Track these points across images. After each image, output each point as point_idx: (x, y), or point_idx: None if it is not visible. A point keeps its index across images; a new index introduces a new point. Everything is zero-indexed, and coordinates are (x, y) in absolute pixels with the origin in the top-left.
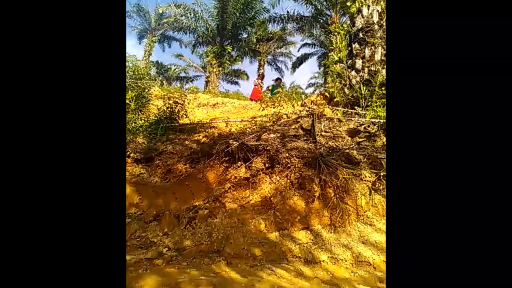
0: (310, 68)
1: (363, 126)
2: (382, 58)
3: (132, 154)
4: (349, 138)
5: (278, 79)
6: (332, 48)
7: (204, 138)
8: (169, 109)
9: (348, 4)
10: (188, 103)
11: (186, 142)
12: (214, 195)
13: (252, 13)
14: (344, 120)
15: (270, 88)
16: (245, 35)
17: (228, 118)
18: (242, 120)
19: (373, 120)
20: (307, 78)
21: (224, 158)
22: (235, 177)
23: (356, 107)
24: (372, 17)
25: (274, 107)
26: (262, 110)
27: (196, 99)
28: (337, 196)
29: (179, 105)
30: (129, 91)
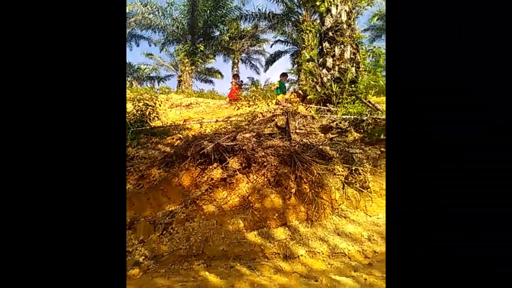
0: (284, 65)
1: (335, 123)
2: (351, 56)
3: None
4: (322, 135)
5: (284, 75)
6: (304, 46)
7: (178, 141)
8: (139, 112)
9: (318, 3)
10: (160, 105)
11: (159, 145)
12: (191, 198)
13: (224, 11)
14: (317, 117)
15: (277, 85)
16: (217, 33)
17: (203, 118)
18: (217, 121)
19: (344, 116)
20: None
21: (199, 160)
22: (212, 179)
23: (328, 104)
24: (340, 16)
25: (249, 106)
26: (238, 109)
27: (169, 100)
28: (313, 191)
29: (150, 107)
30: None
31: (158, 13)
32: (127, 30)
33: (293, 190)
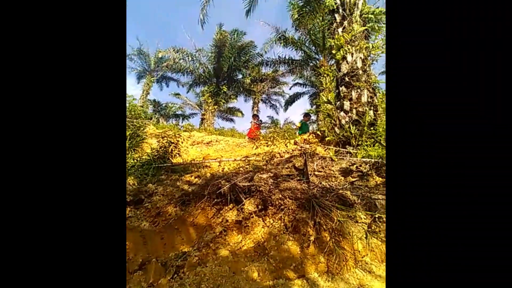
0: (303, 105)
1: (355, 166)
2: (369, 100)
3: None
4: (342, 178)
5: (306, 115)
6: (322, 88)
7: (196, 179)
8: (162, 149)
9: (334, 52)
10: (182, 142)
11: (178, 183)
12: (205, 240)
13: (247, 57)
14: (336, 160)
15: (299, 125)
16: (240, 76)
17: (222, 156)
18: (235, 160)
19: (364, 159)
20: (300, 114)
21: (215, 200)
22: (227, 220)
23: (347, 146)
24: (356, 63)
25: (267, 146)
26: (256, 148)
27: (191, 137)
28: (333, 240)
29: (173, 144)
30: None
31: (188, 58)
32: (160, 73)
33: (312, 238)
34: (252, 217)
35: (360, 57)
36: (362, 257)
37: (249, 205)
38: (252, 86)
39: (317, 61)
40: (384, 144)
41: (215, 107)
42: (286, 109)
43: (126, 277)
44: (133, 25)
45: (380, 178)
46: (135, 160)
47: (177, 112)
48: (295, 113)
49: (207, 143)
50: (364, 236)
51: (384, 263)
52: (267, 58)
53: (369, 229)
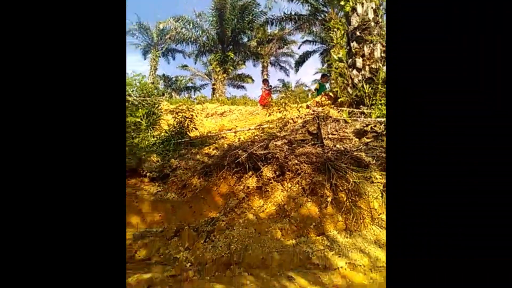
0: (314, 65)
1: (369, 126)
2: (382, 55)
3: (148, 174)
4: (357, 140)
5: (324, 76)
6: (333, 44)
7: (214, 151)
8: (179, 124)
9: (342, 3)
10: (197, 116)
11: (198, 156)
12: (229, 206)
13: (250, 17)
14: (350, 121)
15: (317, 86)
16: (245, 40)
17: (236, 126)
18: (249, 129)
19: (379, 119)
20: (313, 74)
21: (235, 169)
22: (248, 187)
23: (361, 107)
24: (367, 14)
25: (280, 112)
26: (269, 115)
27: (204, 109)
28: (350, 200)
29: (188, 119)
30: (140, 109)
31: (189, 26)
32: (164, 46)
33: (329, 199)
34: (271, 182)
35: (372, 7)
36: (379, 215)
37: (267, 172)
38: (259, 49)
39: (326, 14)
40: None
41: (224, 75)
42: (297, 70)
43: (165, 244)
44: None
45: None
46: (155, 138)
47: (188, 85)
48: (307, 74)
49: (221, 114)
50: (380, 195)
51: None
52: (272, 16)
53: (384, 188)
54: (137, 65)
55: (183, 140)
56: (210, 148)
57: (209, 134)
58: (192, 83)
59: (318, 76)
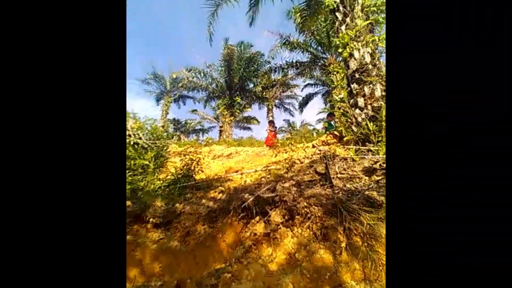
0: (317, 105)
1: (378, 164)
2: (382, 94)
3: (151, 219)
4: (366, 178)
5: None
6: (334, 86)
7: (220, 194)
8: (185, 167)
9: (340, 50)
10: (204, 158)
11: (203, 200)
12: (236, 256)
13: (255, 66)
14: (357, 159)
15: (325, 125)
16: (251, 86)
17: (243, 168)
18: (255, 171)
19: None
20: (316, 114)
21: (241, 214)
22: (255, 234)
23: (367, 144)
24: (364, 58)
25: (286, 152)
26: (275, 156)
27: (211, 151)
28: (366, 244)
29: (195, 161)
30: (149, 152)
31: (200, 75)
32: (177, 94)
33: (343, 244)
34: (280, 228)
35: (368, 52)
36: None
37: (275, 217)
38: (264, 93)
39: (325, 60)
40: None
41: (231, 118)
42: (301, 111)
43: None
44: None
45: None
46: (161, 181)
47: (196, 128)
48: (311, 114)
49: (228, 155)
50: None
51: None
52: (275, 64)
53: None
54: (150, 111)
55: (189, 183)
56: (216, 192)
57: (215, 177)
58: (200, 125)
59: (322, 116)
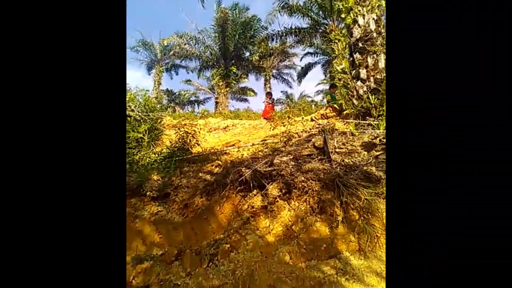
0: (317, 76)
1: (378, 139)
2: None
3: (148, 193)
4: (365, 153)
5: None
6: (335, 55)
7: (217, 168)
8: (181, 140)
9: (343, 15)
10: (199, 131)
11: (200, 174)
12: (233, 227)
13: (251, 32)
14: (357, 134)
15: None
16: (247, 54)
17: (239, 141)
18: (253, 144)
19: None
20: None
21: (239, 188)
22: (252, 207)
23: (368, 118)
24: (369, 25)
25: (284, 126)
26: (272, 129)
27: (207, 124)
28: (362, 218)
29: (190, 134)
30: (142, 124)
31: (192, 42)
32: (168, 62)
33: (340, 218)
34: (277, 201)
35: (373, 18)
36: None
37: (273, 190)
38: (261, 62)
39: (326, 27)
40: None
41: (227, 89)
42: (299, 82)
43: (166, 269)
44: (132, 17)
45: None
46: (156, 155)
47: (191, 99)
48: (310, 85)
49: (224, 128)
50: None
51: None
52: (273, 30)
53: None
54: (141, 81)
55: (185, 157)
56: (212, 165)
57: (212, 150)
58: (195, 97)
59: (321, 87)
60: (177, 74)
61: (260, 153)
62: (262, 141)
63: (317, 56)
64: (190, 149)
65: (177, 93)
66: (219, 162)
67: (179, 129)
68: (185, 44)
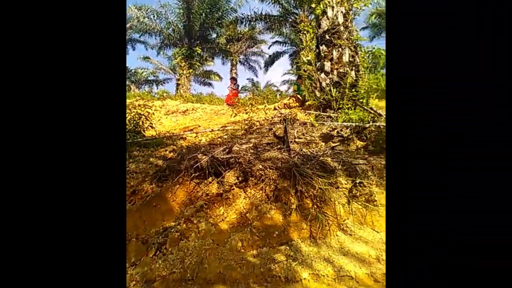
0: (284, 66)
1: (335, 130)
2: (350, 59)
3: None
4: (323, 144)
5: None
6: (303, 47)
7: (171, 153)
8: (132, 122)
9: (313, 5)
10: (154, 113)
11: (151, 159)
12: (185, 215)
13: (220, 13)
14: (317, 125)
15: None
16: (214, 36)
17: (199, 126)
18: (212, 130)
19: (345, 123)
20: (281, 75)
21: (194, 174)
22: (207, 194)
23: (328, 110)
24: (337, 18)
25: (246, 113)
26: (234, 116)
27: (164, 106)
28: (315, 206)
29: (143, 116)
30: None
31: (153, 16)
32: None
33: (294, 206)
34: (233, 189)
35: (341, 11)
36: (344, 221)
37: (229, 178)
38: (228, 46)
39: (296, 16)
40: (365, 107)
41: (190, 70)
42: (266, 69)
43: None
44: None
45: (361, 142)
46: None
47: (149, 78)
48: (277, 75)
49: (183, 112)
50: (346, 201)
51: (365, 225)
52: (242, 14)
53: (350, 194)
54: None
55: (135, 140)
56: (166, 150)
57: (167, 135)
58: (154, 76)
59: (287, 77)
60: (133, 49)
61: (219, 139)
62: (222, 127)
63: (285, 46)
64: (142, 132)
65: (133, 71)
66: (174, 147)
67: (130, 109)
68: (144, 18)
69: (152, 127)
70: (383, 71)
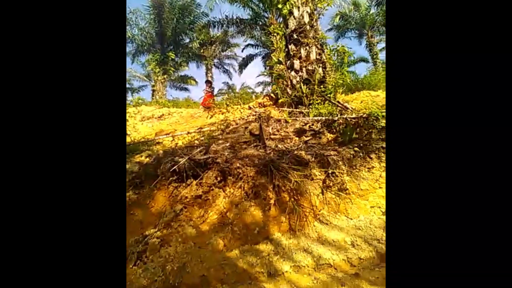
0: (258, 67)
1: (308, 125)
2: (317, 57)
3: None
4: (297, 138)
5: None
6: (274, 48)
7: (147, 158)
8: None
9: (280, 6)
10: (128, 120)
11: (127, 166)
12: (165, 221)
13: (191, 18)
14: (290, 121)
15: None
16: (187, 40)
17: (175, 130)
18: (189, 132)
19: (316, 118)
20: (256, 77)
21: (171, 178)
22: (186, 197)
23: (300, 106)
24: (303, 18)
25: (222, 114)
26: (210, 117)
27: (139, 112)
28: (292, 199)
29: None
30: None
31: None
32: None
33: (272, 201)
34: (212, 189)
35: (307, 11)
36: (319, 211)
37: (208, 179)
38: (202, 51)
39: (266, 19)
40: (333, 101)
41: (165, 76)
42: (241, 72)
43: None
44: None
45: (331, 135)
46: None
47: None
48: (251, 77)
49: (159, 117)
50: (320, 192)
51: (339, 213)
52: (214, 18)
53: (324, 184)
54: None
55: None
56: (142, 156)
57: (142, 140)
58: (129, 84)
59: (261, 79)
60: None
61: (196, 141)
62: (198, 129)
63: (257, 48)
64: None
65: None
66: (150, 152)
67: None
68: None
69: (126, 134)
70: (347, 68)
